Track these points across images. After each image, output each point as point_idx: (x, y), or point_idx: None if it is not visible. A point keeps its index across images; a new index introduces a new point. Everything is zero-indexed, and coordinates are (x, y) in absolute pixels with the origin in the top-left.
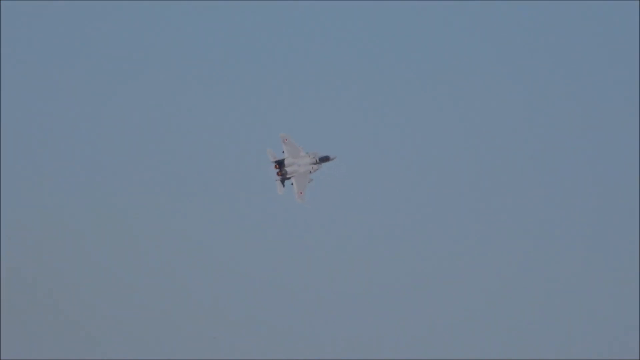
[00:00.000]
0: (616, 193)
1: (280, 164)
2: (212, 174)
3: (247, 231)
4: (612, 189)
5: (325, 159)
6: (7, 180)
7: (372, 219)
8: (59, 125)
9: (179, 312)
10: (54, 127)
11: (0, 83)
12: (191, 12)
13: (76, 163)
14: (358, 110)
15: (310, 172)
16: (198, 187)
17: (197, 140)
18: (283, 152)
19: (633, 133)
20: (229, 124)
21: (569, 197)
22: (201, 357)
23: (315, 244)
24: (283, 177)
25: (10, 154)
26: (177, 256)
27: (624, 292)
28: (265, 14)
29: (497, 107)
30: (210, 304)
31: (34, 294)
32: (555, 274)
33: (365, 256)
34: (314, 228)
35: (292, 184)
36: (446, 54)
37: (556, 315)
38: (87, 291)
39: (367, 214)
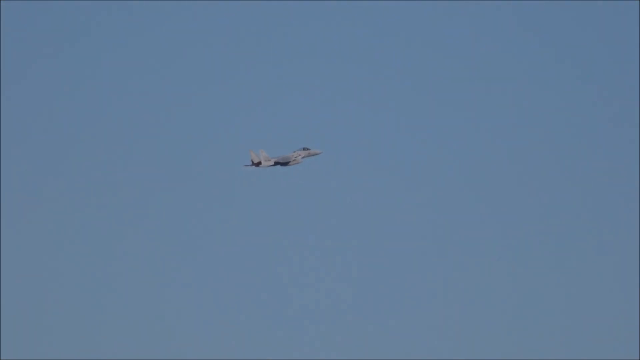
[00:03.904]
0: (616, 193)
1: (258, 164)
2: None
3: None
4: (612, 189)
5: (306, 150)
6: (7, 180)
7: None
8: (59, 125)
9: (180, 313)
10: (53, 127)
11: (0, 83)
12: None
13: (76, 162)
14: (353, 110)
15: (294, 159)
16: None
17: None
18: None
19: (633, 133)
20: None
21: (569, 197)
22: (201, 357)
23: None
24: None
25: (11, 153)
26: (174, 255)
27: (624, 292)
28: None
29: (496, 107)
30: (202, 304)
31: (34, 294)
32: (555, 274)
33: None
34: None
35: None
36: (445, 54)
37: (556, 315)
38: (87, 291)
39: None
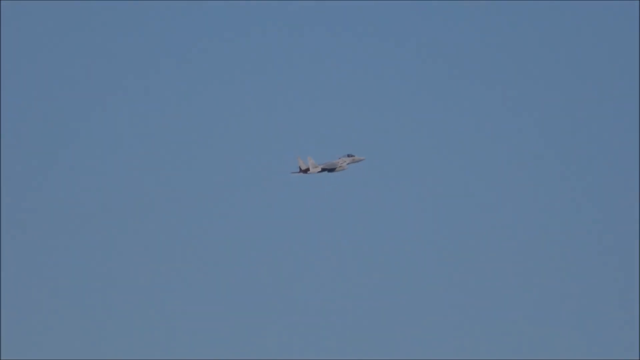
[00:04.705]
0: (616, 193)
1: (306, 171)
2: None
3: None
4: (612, 189)
5: (350, 156)
6: (7, 180)
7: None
8: (59, 126)
9: (180, 313)
10: (54, 128)
11: (0, 83)
12: (192, 12)
13: (77, 162)
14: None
15: (340, 165)
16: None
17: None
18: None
19: (633, 133)
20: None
21: (569, 197)
22: (201, 357)
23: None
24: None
25: (11, 154)
26: (180, 256)
27: (624, 292)
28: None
29: (496, 107)
30: (214, 304)
31: (34, 294)
32: (556, 274)
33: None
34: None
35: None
36: (451, 54)
37: (556, 315)
38: (87, 291)
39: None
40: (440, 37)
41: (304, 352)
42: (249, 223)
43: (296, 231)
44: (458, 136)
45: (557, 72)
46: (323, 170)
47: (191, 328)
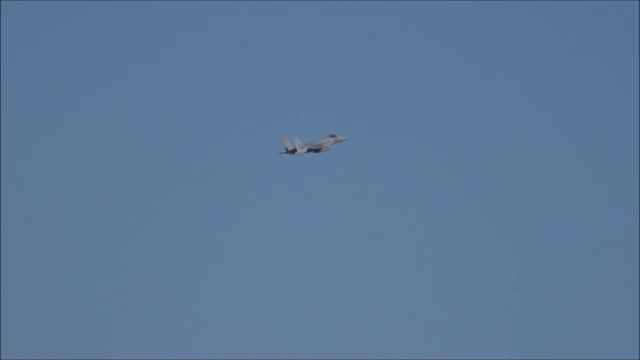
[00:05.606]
0: (616, 193)
1: (293, 151)
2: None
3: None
4: (612, 189)
5: (333, 136)
6: (7, 180)
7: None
8: (60, 125)
9: (180, 313)
10: (54, 127)
11: (0, 83)
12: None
13: (77, 162)
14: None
15: (326, 145)
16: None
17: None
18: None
19: (633, 133)
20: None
21: (569, 197)
22: (202, 357)
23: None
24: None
25: (11, 153)
26: (182, 255)
27: (624, 292)
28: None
29: (496, 107)
30: (212, 304)
31: (34, 294)
32: (556, 274)
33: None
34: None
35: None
36: (447, 54)
37: (556, 315)
38: (87, 291)
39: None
40: (428, 23)
41: (298, 341)
42: (240, 203)
43: (287, 210)
44: (444, 116)
45: (556, 73)
46: (309, 150)
47: (189, 320)
